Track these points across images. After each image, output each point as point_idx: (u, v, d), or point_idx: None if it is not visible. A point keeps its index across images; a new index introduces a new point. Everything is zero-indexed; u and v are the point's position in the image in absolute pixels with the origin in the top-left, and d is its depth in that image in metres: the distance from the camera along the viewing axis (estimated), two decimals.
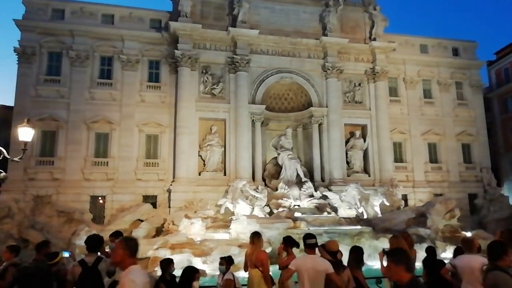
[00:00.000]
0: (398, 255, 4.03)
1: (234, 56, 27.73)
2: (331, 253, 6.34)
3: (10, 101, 27.67)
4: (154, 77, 27.93)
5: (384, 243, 17.96)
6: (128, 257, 4.22)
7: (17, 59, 25.99)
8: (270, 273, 7.44)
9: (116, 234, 7.60)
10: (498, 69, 39.33)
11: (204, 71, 27.86)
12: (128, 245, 4.29)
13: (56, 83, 26.28)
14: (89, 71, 26.85)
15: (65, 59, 26.57)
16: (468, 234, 20.97)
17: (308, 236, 6.28)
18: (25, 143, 12.68)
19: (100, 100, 26.63)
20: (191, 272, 6.17)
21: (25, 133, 12.59)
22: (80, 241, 18.21)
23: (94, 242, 6.65)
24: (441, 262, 7.99)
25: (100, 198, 25.57)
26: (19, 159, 13.56)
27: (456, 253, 7.87)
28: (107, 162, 26.02)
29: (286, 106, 30.66)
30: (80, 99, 26.22)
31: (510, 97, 37.32)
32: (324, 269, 5.59)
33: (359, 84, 30.82)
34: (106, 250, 7.26)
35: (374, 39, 30.60)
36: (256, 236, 7.57)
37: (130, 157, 26.22)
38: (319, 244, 6.61)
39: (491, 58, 41.20)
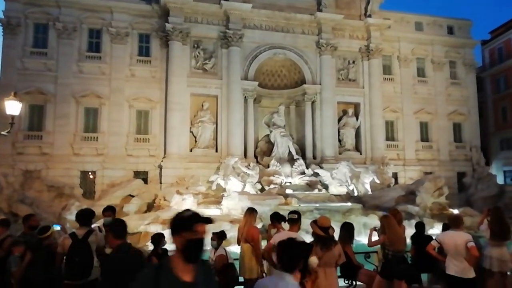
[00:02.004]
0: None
1: (227, 30, 27.12)
2: (323, 228, 6.36)
3: None
4: (144, 51, 27.26)
5: (374, 220, 18.26)
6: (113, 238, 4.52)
7: (2, 30, 25.14)
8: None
9: (110, 209, 7.53)
10: (491, 49, 39.23)
11: (195, 45, 27.26)
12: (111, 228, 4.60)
13: (42, 56, 25.54)
14: (77, 43, 26.09)
15: (51, 31, 25.72)
16: (456, 211, 21.40)
17: (290, 212, 6.38)
18: (13, 117, 12.43)
19: (88, 74, 26.00)
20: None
21: (12, 107, 12.31)
22: (71, 215, 18.15)
23: (85, 216, 6.62)
24: (429, 237, 8.13)
25: (90, 173, 25.38)
26: (6, 133, 13.29)
27: (444, 230, 8.01)
28: (97, 137, 25.69)
29: (279, 83, 30.33)
30: (68, 72, 25.57)
31: (503, 77, 37.41)
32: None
33: (353, 62, 30.52)
34: (97, 225, 7.19)
35: (369, 16, 30.12)
36: (249, 212, 7.56)
37: (120, 133, 25.89)
38: (311, 220, 6.64)
39: (485, 37, 41.07)
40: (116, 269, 4.86)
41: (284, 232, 6.20)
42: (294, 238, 3.86)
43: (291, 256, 3.35)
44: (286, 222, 6.42)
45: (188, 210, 2.92)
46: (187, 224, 2.75)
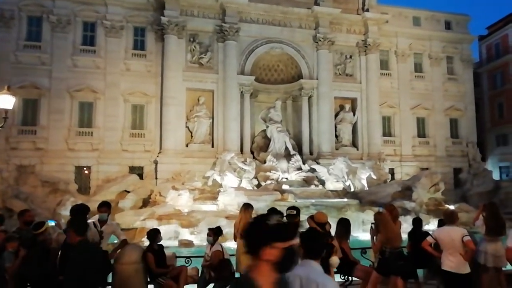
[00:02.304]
0: None
1: (223, 24, 26.89)
2: (319, 224, 6.33)
3: None
4: (139, 45, 27.00)
5: (370, 215, 18.23)
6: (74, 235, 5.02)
7: None
8: None
9: (105, 205, 7.44)
10: (489, 44, 39.24)
11: (191, 39, 27.03)
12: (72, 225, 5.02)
13: (36, 49, 25.23)
14: (71, 37, 25.78)
15: (45, 24, 25.40)
16: (451, 207, 21.41)
17: (289, 208, 6.32)
18: (6, 111, 12.27)
19: (83, 68, 25.73)
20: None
21: (5, 101, 12.14)
22: (66, 211, 17.98)
23: (79, 211, 6.56)
24: (426, 233, 8.09)
25: (85, 168, 25.20)
26: (0, 127, 13.09)
27: (440, 226, 7.99)
28: (92, 132, 25.48)
29: (276, 77, 30.18)
30: (62, 66, 25.28)
31: (499, 73, 37.46)
32: (297, 242, 5.55)
33: (350, 57, 30.41)
34: (92, 221, 7.10)
35: (367, 10, 29.97)
36: (245, 207, 7.51)
37: (115, 128, 25.68)
38: (308, 215, 6.58)
39: (482, 32, 41.05)
40: (78, 264, 4.93)
41: None
42: (315, 228, 4.34)
43: (315, 244, 3.60)
44: (285, 218, 6.34)
45: (268, 215, 2.68)
46: (282, 234, 2.54)
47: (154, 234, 7.42)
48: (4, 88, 12.24)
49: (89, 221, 6.90)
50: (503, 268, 7.53)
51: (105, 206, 7.38)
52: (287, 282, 2.72)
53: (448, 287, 6.50)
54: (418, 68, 33.00)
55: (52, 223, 8.90)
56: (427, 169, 29.57)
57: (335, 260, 5.57)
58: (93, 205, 8.50)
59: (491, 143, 37.10)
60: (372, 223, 7.45)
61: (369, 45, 29.89)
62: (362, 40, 30.14)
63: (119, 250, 6.89)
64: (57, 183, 22.81)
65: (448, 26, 34.20)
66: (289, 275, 3.39)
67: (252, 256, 2.52)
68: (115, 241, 7.50)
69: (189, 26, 26.73)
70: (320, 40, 28.81)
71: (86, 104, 25.77)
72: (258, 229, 2.56)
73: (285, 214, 6.26)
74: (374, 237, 7.40)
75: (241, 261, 7.15)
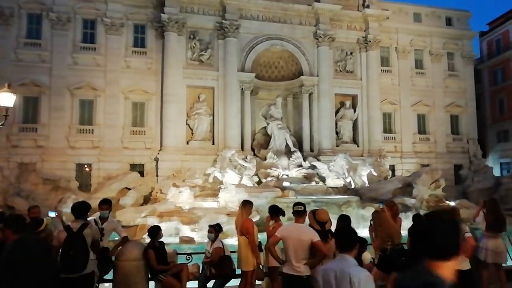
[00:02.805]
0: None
1: (223, 21, 26.83)
2: (320, 223, 6.32)
3: None
4: (139, 42, 26.96)
5: (370, 212, 18.21)
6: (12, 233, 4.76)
7: None
8: (259, 240, 7.42)
9: (106, 202, 7.47)
10: (489, 40, 39.12)
11: (191, 36, 26.98)
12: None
13: (36, 47, 25.20)
14: (71, 34, 25.74)
15: (45, 22, 25.35)
16: (452, 203, 21.47)
17: (296, 204, 6.32)
18: (7, 109, 12.26)
19: (83, 66, 25.70)
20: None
21: (6, 99, 12.13)
22: (67, 208, 17.94)
23: (80, 209, 6.56)
24: None
25: (86, 166, 25.23)
26: (1, 125, 13.10)
27: None
28: (92, 130, 25.50)
29: (276, 74, 30.14)
30: (62, 64, 25.26)
31: (500, 69, 37.37)
32: (308, 238, 5.63)
33: (351, 53, 30.33)
34: (94, 218, 7.13)
35: (368, 6, 29.86)
36: (243, 204, 7.52)
37: (116, 125, 25.70)
38: (309, 211, 6.59)
39: (483, 28, 40.90)
40: (15, 262, 4.69)
41: (292, 224, 6.13)
42: (349, 225, 4.88)
43: (349, 239, 3.91)
44: (292, 214, 6.33)
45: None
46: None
47: (155, 231, 7.44)
48: (5, 86, 12.24)
49: (90, 218, 6.92)
50: (503, 264, 7.55)
51: (106, 204, 7.40)
52: None
53: None
54: (418, 64, 32.92)
55: (52, 214, 8.91)
56: (427, 165, 29.58)
57: (367, 256, 5.60)
58: (94, 203, 8.54)
59: (492, 139, 37.06)
60: (371, 220, 7.46)
61: (370, 41, 29.82)
62: (363, 37, 30.06)
63: (120, 247, 6.91)
64: (58, 181, 22.88)
65: (449, 22, 34.09)
66: (324, 269, 3.94)
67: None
68: (116, 238, 7.52)
69: (189, 23, 26.68)
70: (320, 37, 28.74)
71: (87, 101, 25.78)
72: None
73: (292, 210, 6.28)
74: (373, 234, 7.42)
75: (241, 258, 7.18)
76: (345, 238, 3.94)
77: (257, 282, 7.54)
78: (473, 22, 35.92)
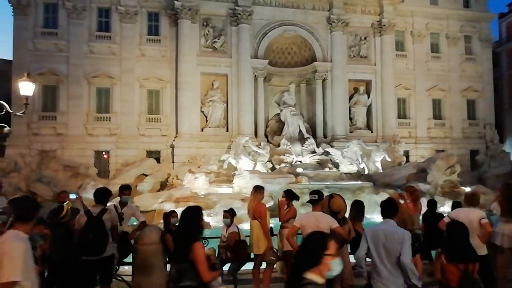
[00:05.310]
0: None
1: (236, 7, 26.71)
2: (333, 212, 6.38)
3: (8, 55, 27.17)
4: (153, 30, 27.11)
5: (384, 198, 18.29)
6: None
7: (12, 10, 25.15)
8: (272, 225, 7.62)
9: (128, 187, 7.78)
10: (509, 22, 37.84)
11: (204, 23, 26.99)
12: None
13: (53, 36, 25.62)
14: (87, 23, 26.04)
15: (61, 11, 25.69)
16: (467, 189, 21.28)
17: (311, 193, 6.32)
18: (27, 98, 12.60)
19: (99, 54, 26.07)
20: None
21: (26, 88, 12.49)
22: (87, 194, 18.59)
23: (101, 195, 6.87)
24: (440, 215, 8.17)
25: (104, 153, 25.84)
26: (22, 113, 13.56)
27: (454, 207, 8.03)
28: (110, 118, 26.00)
29: (289, 60, 29.98)
30: (79, 52, 25.67)
31: None
32: (327, 225, 5.65)
33: (365, 38, 29.89)
34: (113, 203, 7.45)
35: None
36: (255, 189, 7.66)
37: (132, 113, 26.14)
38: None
39: (502, 10, 39.56)
40: None
41: (309, 212, 6.24)
42: (391, 198, 6.09)
43: (391, 208, 5.02)
44: (308, 203, 6.39)
45: None
46: None
47: (168, 216, 7.44)
48: (24, 75, 12.63)
49: (109, 204, 7.22)
50: None
51: (128, 189, 7.71)
52: None
53: None
54: (434, 48, 32.22)
55: (73, 196, 9.24)
56: (442, 151, 29.24)
57: None
58: (113, 188, 8.93)
59: (509, 124, 36.23)
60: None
61: (384, 25, 29.29)
62: (377, 21, 29.54)
63: (139, 232, 7.12)
64: (77, 167, 23.55)
65: (466, 4, 33.11)
66: (373, 230, 4.88)
67: None
68: (135, 223, 7.78)
69: (202, 10, 26.66)
70: (334, 22, 28.37)
71: (103, 89, 26.22)
72: None
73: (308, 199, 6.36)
74: None
75: (253, 241, 7.39)
76: (388, 207, 4.97)
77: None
78: (492, 3, 34.87)
